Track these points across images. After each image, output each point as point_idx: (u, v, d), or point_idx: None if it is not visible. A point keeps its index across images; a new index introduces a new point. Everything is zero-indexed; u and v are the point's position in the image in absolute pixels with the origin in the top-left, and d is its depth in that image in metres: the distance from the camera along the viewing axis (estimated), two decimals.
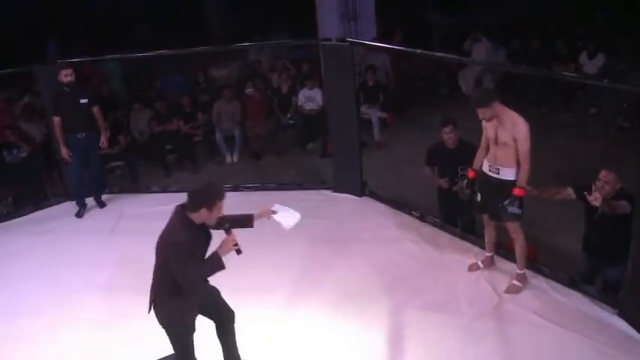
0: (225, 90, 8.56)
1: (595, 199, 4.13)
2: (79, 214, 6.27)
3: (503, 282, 4.56)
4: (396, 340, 4.11)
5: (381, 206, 5.92)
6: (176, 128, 8.31)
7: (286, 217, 3.61)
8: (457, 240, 5.22)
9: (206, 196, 3.18)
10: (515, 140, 4.06)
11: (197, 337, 3.51)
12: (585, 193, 4.23)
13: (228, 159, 8.47)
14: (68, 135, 6.04)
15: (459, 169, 5.16)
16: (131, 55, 8.59)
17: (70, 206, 6.39)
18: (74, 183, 6.30)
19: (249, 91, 8.75)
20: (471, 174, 4.54)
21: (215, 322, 3.63)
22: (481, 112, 4.13)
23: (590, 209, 4.32)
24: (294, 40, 10.69)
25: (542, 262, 4.81)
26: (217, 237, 3.38)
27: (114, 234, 5.86)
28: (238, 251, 3.30)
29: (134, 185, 7.41)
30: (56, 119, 6.01)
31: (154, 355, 3.86)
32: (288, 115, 8.78)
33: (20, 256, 5.59)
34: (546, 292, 4.45)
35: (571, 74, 5.75)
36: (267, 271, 4.93)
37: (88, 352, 4.21)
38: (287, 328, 4.29)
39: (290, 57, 10.28)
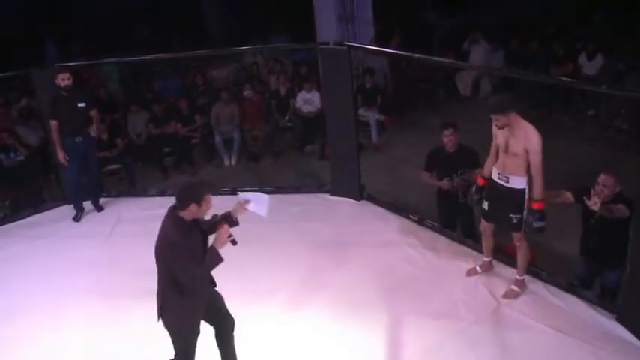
0: (222, 92, 8.55)
1: (594, 203, 4.13)
2: (76, 218, 6.26)
3: (501, 287, 4.55)
4: (394, 344, 4.10)
5: (380, 210, 5.91)
6: (174, 131, 8.30)
7: (259, 204, 3.59)
8: (455, 244, 5.21)
9: (192, 192, 3.22)
10: (526, 152, 4.02)
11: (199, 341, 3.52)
12: (584, 198, 4.21)
13: (227, 162, 8.47)
14: (66, 139, 6.02)
15: (458, 173, 5.16)
16: (129, 59, 8.55)
17: (68, 210, 6.38)
18: (72, 187, 6.28)
19: (247, 93, 8.75)
20: (480, 181, 4.50)
21: (215, 328, 3.63)
22: (496, 119, 4.08)
23: (588, 213, 4.32)
24: (293, 45, 10.71)
25: (540, 266, 4.80)
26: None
27: (111, 238, 5.85)
28: (234, 242, 3.33)
29: (131, 188, 7.40)
30: (53, 123, 5.99)
31: (152, 356, 3.86)
32: (286, 118, 8.78)
33: (17, 260, 5.57)
34: (544, 296, 4.44)
35: (569, 79, 5.74)
36: (266, 274, 4.93)
37: (86, 354, 4.21)
38: (286, 331, 4.29)
39: (289, 58, 10.28)
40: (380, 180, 6.80)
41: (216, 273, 4.75)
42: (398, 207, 5.91)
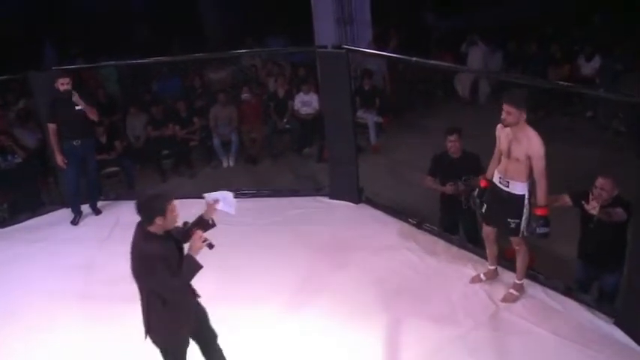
0: (220, 94, 8.55)
1: (592, 207, 4.13)
2: (74, 222, 6.25)
3: (499, 290, 4.55)
4: (393, 348, 4.11)
5: (378, 213, 5.91)
6: (172, 133, 8.30)
7: (227, 203, 3.51)
8: (455, 248, 5.21)
9: (154, 206, 3.13)
10: (528, 157, 4.00)
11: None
12: (583, 202, 4.21)
13: (225, 164, 8.46)
14: (64, 142, 6.01)
15: (462, 179, 5.15)
16: (128, 62, 8.54)
17: (66, 213, 6.37)
18: (70, 190, 6.27)
19: (245, 96, 8.74)
20: (482, 183, 4.50)
21: (199, 343, 3.58)
22: (507, 111, 3.97)
23: (587, 217, 4.32)
24: (291, 48, 10.72)
25: (538, 269, 4.80)
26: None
27: (109, 241, 5.83)
28: (210, 245, 3.25)
29: (130, 191, 7.38)
30: (51, 126, 5.98)
31: (151, 358, 3.83)
32: (285, 120, 8.77)
33: (16, 263, 5.56)
34: (542, 300, 4.45)
35: (566, 84, 5.75)
36: (263, 278, 4.92)
37: (84, 356, 4.23)
38: (283, 336, 4.29)
39: (287, 60, 10.28)
40: (378, 182, 6.80)
41: (214, 275, 4.78)
42: (396, 210, 5.91)
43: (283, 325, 4.39)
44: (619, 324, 4.11)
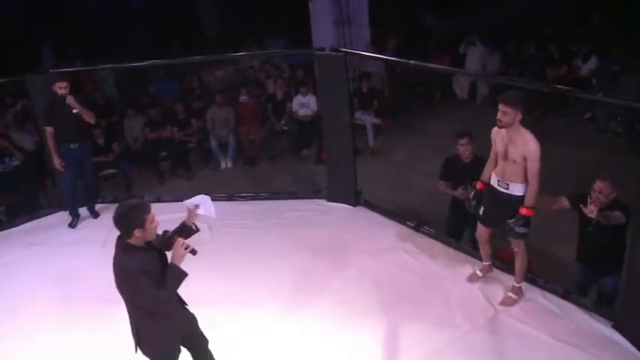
0: (216, 95, 8.54)
1: (591, 211, 4.12)
2: (72, 225, 6.24)
3: (498, 293, 4.55)
4: (390, 351, 4.10)
5: (376, 216, 5.90)
6: (170, 135, 8.28)
7: (207, 207, 3.48)
8: (452, 250, 5.21)
9: (132, 219, 3.10)
10: (524, 159, 4.01)
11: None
12: (581, 206, 4.20)
13: (223, 165, 8.45)
14: (61, 145, 6.00)
15: (473, 184, 5.13)
16: (126, 65, 8.52)
17: (64, 216, 6.36)
18: (68, 193, 6.26)
19: (243, 98, 8.72)
20: (479, 185, 4.49)
21: (190, 350, 3.56)
22: (503, 110, 3.97)
23: (585, 220, 4.31)
24: (289, 50, 10.73)
25: (536, 272, 4.79)
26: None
27: (107, 244, 5.79)
28: (193, 252, 3.20)
29: (128, 193, 7.36)
30: (49, 129, 5.97)
31: None
32: (283, 122, 8.76)
33: (13, 266, 5.55)
34: (541, 303, 4.44)
35: (565, 87, 5.73)
36: (263, 279, 4.92)
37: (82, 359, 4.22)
38: (281, 338, 4.28)
39: (285, 62, 10.27)
40: (376, 184, 6.79)
41: (214, 277, 4.79)
42: (394, 213, 5.90)
43: (283, 325, 4.39)
44: (617, 327, 4.10)
